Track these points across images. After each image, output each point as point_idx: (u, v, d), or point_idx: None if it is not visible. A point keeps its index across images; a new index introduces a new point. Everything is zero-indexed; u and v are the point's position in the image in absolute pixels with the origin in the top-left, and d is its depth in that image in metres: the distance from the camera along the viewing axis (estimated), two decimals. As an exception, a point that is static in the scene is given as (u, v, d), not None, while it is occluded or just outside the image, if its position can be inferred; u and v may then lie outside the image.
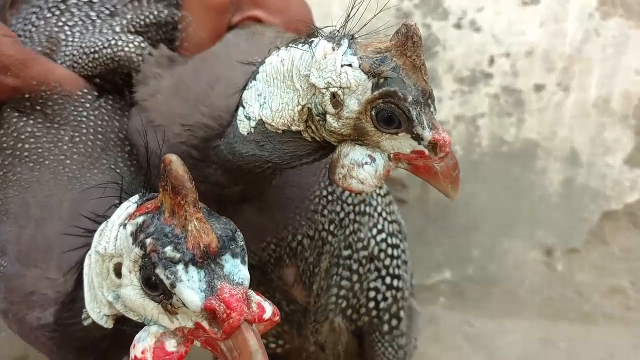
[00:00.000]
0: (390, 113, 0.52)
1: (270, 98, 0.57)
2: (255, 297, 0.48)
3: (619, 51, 1.43)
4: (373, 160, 0.55)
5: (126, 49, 0.82)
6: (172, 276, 0.45)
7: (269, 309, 0.49)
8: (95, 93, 0.81)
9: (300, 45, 0.56)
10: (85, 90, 0.81)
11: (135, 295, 0.49)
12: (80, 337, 0.61)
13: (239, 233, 0.49)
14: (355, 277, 0.80)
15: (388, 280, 0.81)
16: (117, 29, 0.84)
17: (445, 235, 1.55)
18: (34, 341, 0.69)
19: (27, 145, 0.75)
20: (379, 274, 0.81)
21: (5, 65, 0.75)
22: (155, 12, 0.88)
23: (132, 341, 0.55)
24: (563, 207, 1.54)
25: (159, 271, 0.46)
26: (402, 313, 0.83)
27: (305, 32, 0.57)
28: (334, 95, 0.53)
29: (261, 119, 0.58)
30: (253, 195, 0.67)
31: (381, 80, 0.51)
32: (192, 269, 0.45)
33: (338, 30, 0.55)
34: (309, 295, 0.81)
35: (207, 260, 0.46)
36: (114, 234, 0.50)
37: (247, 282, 0.47)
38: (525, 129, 1.49)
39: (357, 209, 0.79)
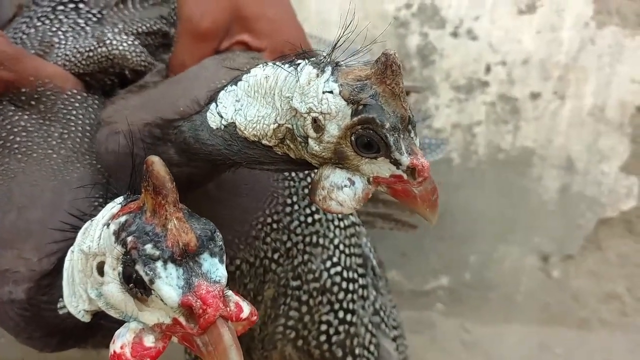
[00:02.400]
0: (369, 139, 0.53)
1: (246, 107, 0.57)
2: (234, 297, 0.50)
3: (615, 60, 1.44)
4: (352, 183, 0.56)
5: (120, 47, 0.83)
6: (151, 272, 0.46)
7: (246, 309, 0.50)
8: (85, 93, 0.82)
9: (287, 66, 0.56)
10: (75, 91, 0.81)
11: (117, 292, 0.50)
12: (52, 322, 0.62)
13: (218, 233, 0.50)
14: (304, 309, 0.79)
15: (341, 314, 0.80)
16: (109, 35, 0.84)
17: (442, 242, 1.56)
18: (2, 316, 0.69)
19: (18, 139, 0.76)
20: (331, 307, 0.79)
21: None
22: (147, 25, 0.89)
23: (103, 331, 0.56)
24: (559, 214, 1.56)
25: (139, 267, 0.47)
26: (358, 350, 0.81)
27: (294, 53, 0.58)
28: (315, 120, 0.54)
29: (234, 123, 0.58)
30: (200, 183, 0.66)
31: (360, 107, 0.52)
32: (170, 267, 0.47)
33: (324, 56, 0.56)
34: None
35: (185, 258, 0.47)
36: (97, 234, 0.52)
37: (224, 281, 0.49)
38: (521, 137, 1.50)
39: (307, 239, 0.78)
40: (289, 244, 0.78)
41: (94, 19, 0.88)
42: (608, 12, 1.43)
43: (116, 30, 0.86)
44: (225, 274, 0.49)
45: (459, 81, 1.46)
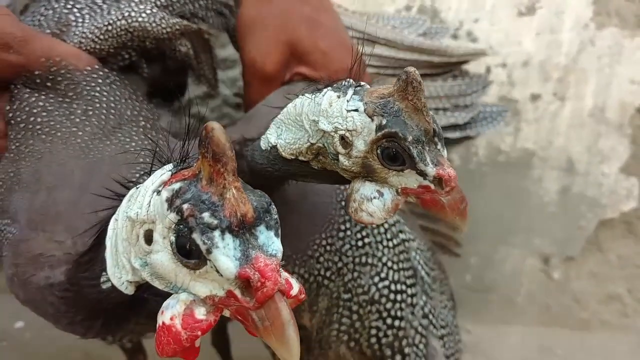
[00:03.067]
0: (394, 152, 0.56)
1: (284, 132, 0.64)
2: (284, 274, 0.48)
3: (614, 61, 1.44)
4: (381, 194, 0.60)
5: (139, 19, 0.82)
6: (209, 242, 0.44)
7: (296, 286, 0.48)
8: (106, 69, 0.81)
9: (309, 94, 0.62)
10: (97, 66, 0.80)
11: (167, 261, 0.47)
12: (95, 299, 0.59)
13: (273, 206, 0.48)
14: (355, 317, 0.84)
15: (389, 321, 0.85)
16: (127, 7, 0.84)
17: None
18: (39, 302, 0.67)
19: (39, 119, 0.75)
20: (379, 315, 0.84)
21: (6, 43, 0.74)
22: None
23: (147, 309, 0.54)
24: (560, 215, 1.56)
25: (196, 236, 0.44)
26: (407, 349, 0.86)
27: (321, 82, 0.63)
28: (342, 138, 0.59)
29: (275, 145, 0.65)
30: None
31: (384, 122, 0.56)
32: (228, 237, 0.44)
33: (345, 81, 0.61)
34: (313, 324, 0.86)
35: (242, 229, 0.45)
36: (147, 200, 0.49)
37: (280, 255, 0.46)
38: (521, 139, 1.50)
39: (357, 260, 0.83)
40: (340, 264, 0.83)
41: None
42: (607, 14, 1.43)
43: (133, 3, 0.85)
44: (281, 247, 0.47)
45: (459, 83, 1.46)
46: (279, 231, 0.48)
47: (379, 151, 0.57)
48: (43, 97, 0.77)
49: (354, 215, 0.61)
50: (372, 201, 0.60)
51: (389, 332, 0.85)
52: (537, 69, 1.45)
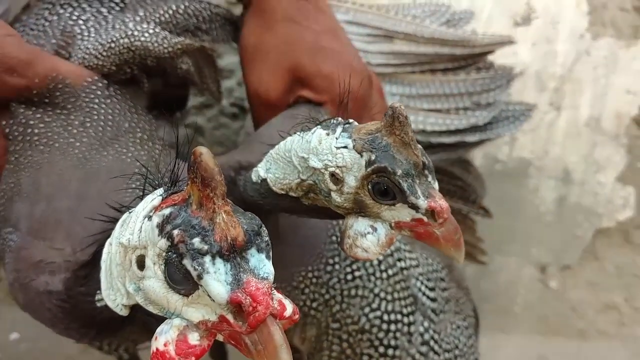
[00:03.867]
0: (385, 187, 0.56)
1: (274, 167, 0.64)
2: (277, 295, 0.48)
3: (610, 71, 1.45)
4: (375, 230, 0.60)
5: (142, 38, 0.83)
6: (200, 267, 0.44)
7: (289, 307, 0.48)
8: (105, 81, 0.81)
9: (299, 132, 0.63)
10: (96, 78, 0.81)
11: (159, 287, 0.47)
12: (90, 313, 0.60)
13: (264, 229, 0.48)
14: (345, 345, 0.85)
15: (382, 349, 0.85)
16: (130, 25, 0.84)
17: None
18: (38, 307, 0.67)
19: (36, 130, 0.76)
20: (371, 343, 0.84)
21: (11, 67, 0.74)
22: (171, 12, 0.89)
23: (142, 324, 0.53)
24: (556, 224, 1.56)
25: (187, 262, 0.44)
26: None
27: (310, 119, 0.64)
28: (332, 175, 0.59)
29: (265, 179, 0.65)
30: None
31: (373, 158, 0.56)
32: (219, 262, 0.44)
33: (334, 119, 0.62)
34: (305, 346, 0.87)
35: (233, 253, 0.45)
36: (138, 226, 0.49)
37: (272, 277, 0.46)
38: (518, 148, 1.50)
39: (345, 292, 0.83)
40: (327, 296, 0.83)
41: (117, 7, 0.88)
42: (603, 24, 1.43)
43: (137, 19, 0.86)
44: (273, 270, 0.47)
45: (455, 93, 1.46)
46: (270, 253, 0.48)
47: (369, 187, 0.57)
48: (41, 110, 0.77)
49: (349, 252, 0.61)
50: (366, 237, 0.60)
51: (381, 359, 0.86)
52: (533, 78, 1.45)
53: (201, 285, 0.45)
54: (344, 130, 0.59)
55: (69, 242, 0.65)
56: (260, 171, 0.65)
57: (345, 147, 0.58)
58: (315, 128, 0.62)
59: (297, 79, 0.90)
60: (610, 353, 1.58)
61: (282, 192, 0.64)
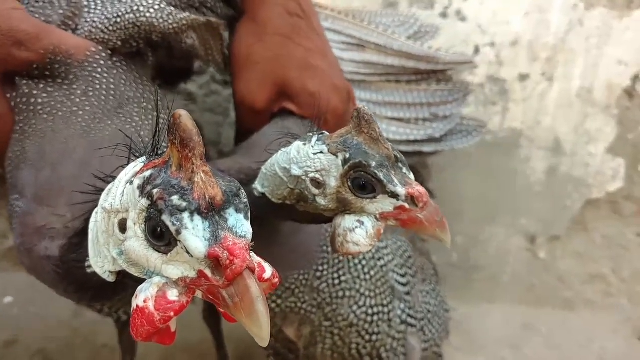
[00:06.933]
0: (363, 181, 0.61)
1: (267, 182, 0.70)
2: (256, 258, 0.49)
3: (603, 42, 1.44)
4: (362, 223, 0.63)
5: (147, 14, 0.84)
6: (178, 223, 0.46)
7: (268, 270, 0.50)
8: (109, 52, 0.82)
9: (283, 148, 0.68)
10: (100, 49, 0.81)
11: (139, 247, 0.49)
12: (82, 278, 0.62)
13: (243, 191, 0.49)
14: (337, 338, 0.92)
15: (367, 337, 0.93)
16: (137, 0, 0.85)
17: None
18: (40, 271, 0.70)
19: (39, 100, 0.77)
20: (359, 334, 0.93)
21: (19, 40, 0.75)
22: None
23: (131, 290, 0.55)
24: (546, 195, 1.57)
25: (165, 218, 0.46)
26: (384, 354, 0.95)
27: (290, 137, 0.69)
28: (313, 180, 0.64)
29: (264, 193, 0.70)
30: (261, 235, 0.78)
31: (347, 155, 0.61)
32: (197, 218, 0.46)
33: (310, 133, 0.67)
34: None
35: (211, 212, 0.47)
36: (120, 190, 0.51)
37: (249, 236, 0.48)
38: (509, 118, 1.51)
39: (334, 294, 0.90)
40: (319, 300, 0.90)
41: None
42: (597, -6, 1.43)
43: None
44: (251, 230, 0.48)
45: (447, 62, 1.45)
46: (249, 214, 0.49)
47: (349, 183, 0.62)
48: (44, 81, 0.78)
49: (341, 249, 0.65)
50: (355, 231, 0.63)
51: (368, 345, 0.93)
52: (525, 48, 1.45)
53: (180, 241, 0.46)
54: (318, 140, 0.64)
55: (70, 209, 0.66)
56: (258, 187, 0.71)
57: (322, 152, 0.63)
58: (295, 142, 0.67)
59: (283, 92, 0.93)
60: (596, 323, 1.60)
61: (280, 202, 0.69)
